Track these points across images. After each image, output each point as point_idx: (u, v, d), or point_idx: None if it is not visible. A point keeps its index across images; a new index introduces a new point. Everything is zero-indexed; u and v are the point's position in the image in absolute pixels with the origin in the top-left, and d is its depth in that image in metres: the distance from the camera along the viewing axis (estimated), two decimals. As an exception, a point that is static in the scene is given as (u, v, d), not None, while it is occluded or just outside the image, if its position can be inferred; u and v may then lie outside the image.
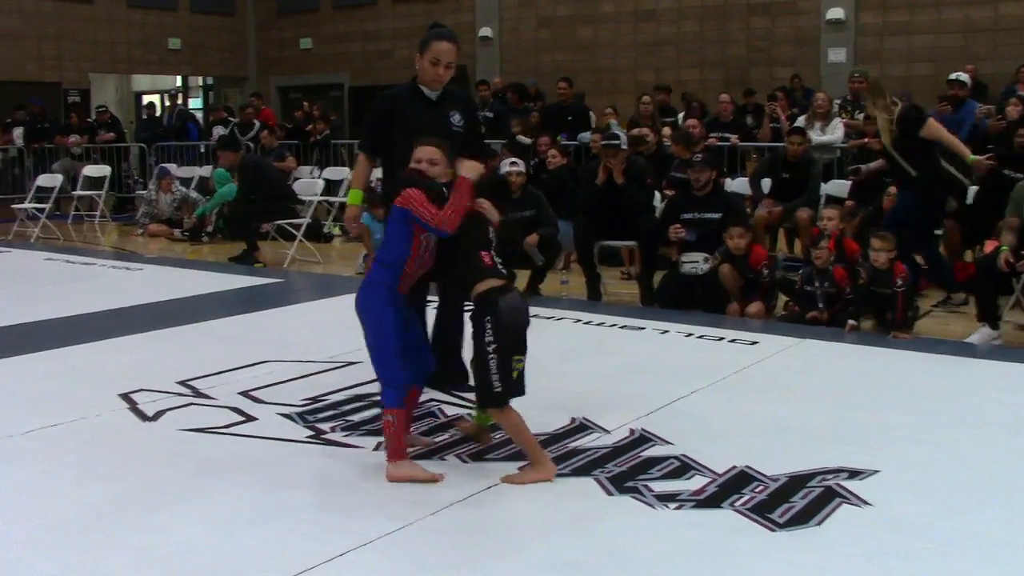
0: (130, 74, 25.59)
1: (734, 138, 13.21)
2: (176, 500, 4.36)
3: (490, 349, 4.47)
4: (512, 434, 4.66)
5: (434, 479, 4.54)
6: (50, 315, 8.39)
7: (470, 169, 4.65)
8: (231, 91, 25.87)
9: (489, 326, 4.45)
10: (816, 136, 11.88)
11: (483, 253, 4.60)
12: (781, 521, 4.08)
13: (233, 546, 3.87)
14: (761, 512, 4.17)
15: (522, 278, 9.34)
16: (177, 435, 5.25)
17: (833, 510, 4.20)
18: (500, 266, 4.63)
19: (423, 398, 5.67)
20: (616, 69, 19.11)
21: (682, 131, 11.84)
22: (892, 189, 9.23)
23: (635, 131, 11.73)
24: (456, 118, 5.83)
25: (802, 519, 4.11)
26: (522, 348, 4.62)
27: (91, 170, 17.05)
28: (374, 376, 6.01)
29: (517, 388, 4.63)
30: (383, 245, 4.88)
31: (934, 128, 8.70)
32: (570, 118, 14.20)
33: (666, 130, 13.52)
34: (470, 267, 4.60)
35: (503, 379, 4.48)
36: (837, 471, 4.62)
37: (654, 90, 15.22)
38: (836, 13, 17.59)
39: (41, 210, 15.32)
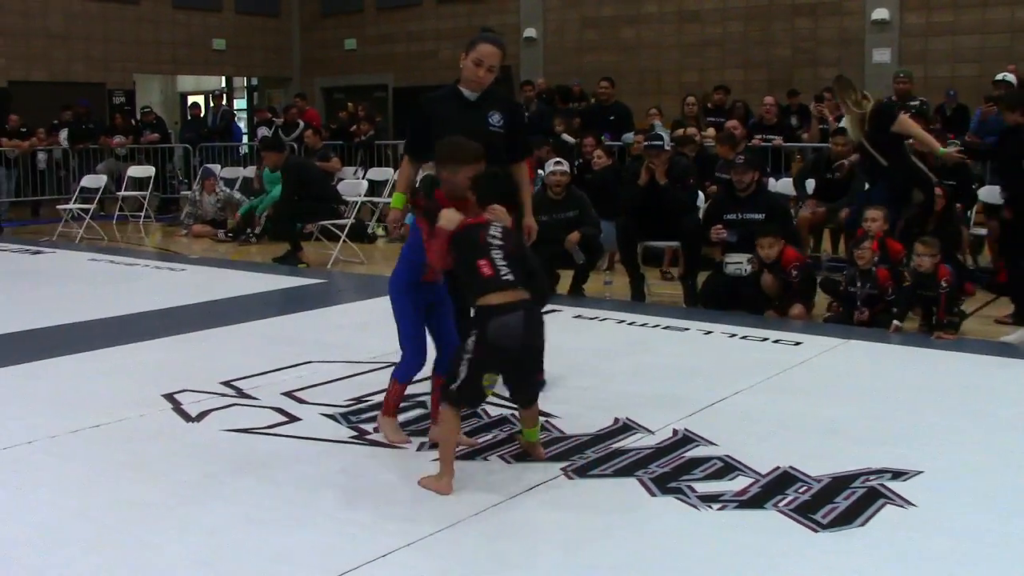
0: (175, 75, 25.76)
1: (777, 139, 13.15)
2: (219, 500, 4.39)
3: (466, 356, 4.47)
4: (441, 435, 4.63)
5: (405, 441, 5.09)
6: (94, 315, 8.46)
7: (448, 220, 4.62)
8: (275, 92, 26.01)
9: (473, 338, 4.45)
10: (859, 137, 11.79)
11: (481, 262, 4.53)
12: (824, 522, 4.07)
13: (277, 546, 3.90)
14: (804, 513, 4.16)
15: (566, 278, 9.38)
16: (220, 435, 5.29)
17: (877, 511, 4.18)
18: (505, 274, 4.52)
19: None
20: (660, 70, 19.09)
21: (727, 132, 11.81)
22: (939, 191, 9.21)
23: (680, 131, 11.72)
24: (495, 118, 5.81)
25: (845, 520, 4.09)
26: (496, 368, 4.56)
27: (135, 171, 17.19)
28: (418, 376, 6.07)
29: (472, 400, 4.68)
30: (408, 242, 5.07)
31: (905, 123, 9.12)
32: (612, 118, 14.19)
33: (710, 131, 13.51)
34: (468, 280, 4.59)
35: (464, 385, 4.46)
36: (881, 472, 4.60)
37: (714, 89, 15.21)
38: (881, 13, 17.50)
39: (86, 211, 15.43)
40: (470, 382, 4.45)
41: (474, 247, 4.56)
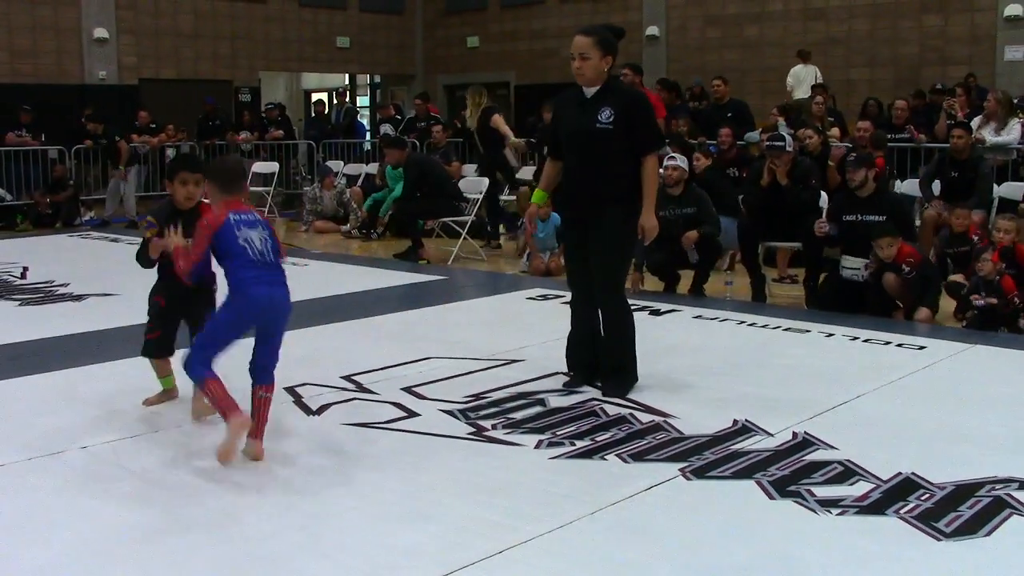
0: (300, 72, 26.18)
1: (920, 136, 12.84)
2: (339, 493, 4.46)
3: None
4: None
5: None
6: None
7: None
8: (398, 89, 26.25)
9: None
10: (990, 137, 11.53)
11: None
12: (948, 531, 3.99)
13: (395, 539, 3.95)
14: (927, 521, 4.08)
15: (686, 278, 9.32)
16: (340, 429, 5.37)
17: (1003, 521, 4.08)
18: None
19: (584, 397, 5.83)
20: (784, 68, 18.82)
21: (877, 133, 11.66)
22: None
23: (799, 132, 11.58)
24: (605, 115, 5.81)
25: (970, 529, 4.01)
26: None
27: (260, 167, 17.49)
28: (537, 374, 6.10)
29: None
30: None
31: None
32: (729, 115, 14.05)
33: (834, 130, 13.30)
34: None
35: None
36: (1007, 481, 4.49)
37: (821, 89, 14.99)
38: (1015, 9, 17.04)
39: (210, 206, 15.69)
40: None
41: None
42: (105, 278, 10.19)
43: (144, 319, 5.69)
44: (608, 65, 5.88)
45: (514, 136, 13.51)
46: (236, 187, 5.17)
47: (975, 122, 11.90)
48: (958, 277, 8.66)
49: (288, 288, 5.10)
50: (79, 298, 9.30)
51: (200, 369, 4.88)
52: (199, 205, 5.53)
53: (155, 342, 5.68)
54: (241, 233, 4.94)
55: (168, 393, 5.79)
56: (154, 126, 18.51)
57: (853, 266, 8.43)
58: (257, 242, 4.98)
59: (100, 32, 20.33)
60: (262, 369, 5.04)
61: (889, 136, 12.45)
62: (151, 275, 5.60)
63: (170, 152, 18.57)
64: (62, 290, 9.71)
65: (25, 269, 11.00)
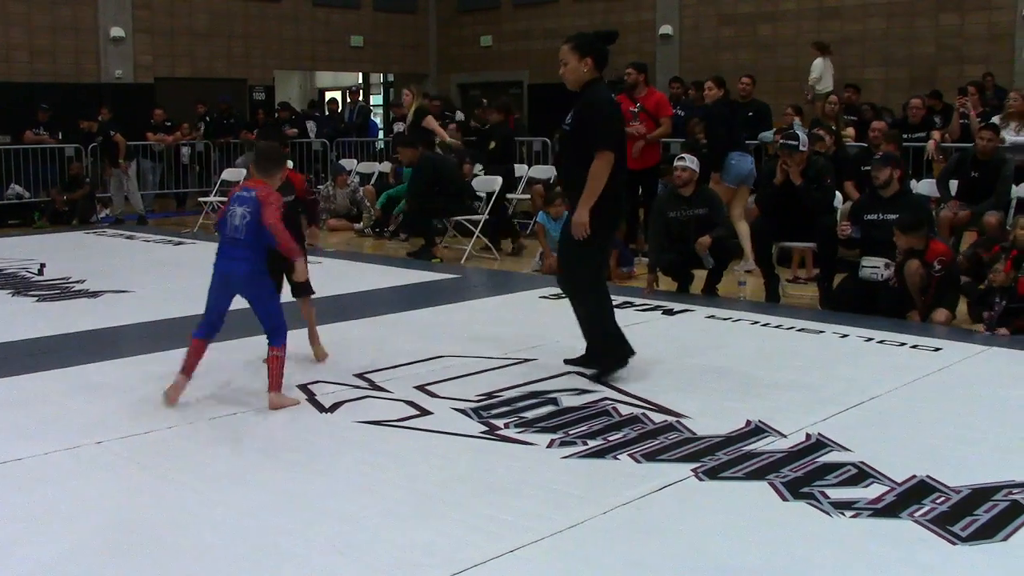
0: (313, 71, 26.20)
1: (935, 140, 12.76)
2: (351, 490, 4.46)
3: None
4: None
5: (295, 402, 5.71)
6: (232, 306, 8.59)
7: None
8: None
9: None
10: (1010, 137, 11.46)
11: None
12: (964, 535, 3.96)
13: (406, 537, 3.94)
14: (942, 524, 4.05)
15: (699, 278, 9.30)
16: (353, 427, 5.37)
17: (1020, 526, 4.05)
18: None
19: (596, 397, 5.81)
20: (798, 68, 18.75)
21: (891, 131, 11.61)
22: None
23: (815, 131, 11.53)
24: (568, 117, 6.29)
25: (986, 533, 3.98)
26: None
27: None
28: (549, 373, 6.10)
29: None
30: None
31: None
32: (750, 114, 14.00)
33: (850, 130, 13.25)
34: None
35: None
36: (1024, 485, 4.48)
37: (844, 88, 14.93)
38: (1034, 7, 16.95)
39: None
40: None
41: None
42: (121, 275, 10.23)
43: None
44: (588, 67, 6.18)
45: (448, 137, 14.11)
46: (256, 167, 5.97)
47: (994, 121, 11.83)
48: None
49: (248, 264, 5.67)
50: (95, 295, 9.33)
51: (194, 331, 5.78)
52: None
53: None
54: (231, 208, 5.70)
55: None
56: (169, 124, 18.58)
57: (873, 265, 8.39)
58: (236, 218, 5.63)
59: (117, 31, 20.37)
60: (266, 333, 5.77)
61: (904, 136, 12.40)
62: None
63: (185, 150, 18.64)
64: (78, 287, 9.74)
65: (42, 266, 11.08)
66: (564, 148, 6.43)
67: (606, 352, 6.34)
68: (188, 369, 5.68)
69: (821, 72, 16.24)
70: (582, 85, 6.22)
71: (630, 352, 6.39)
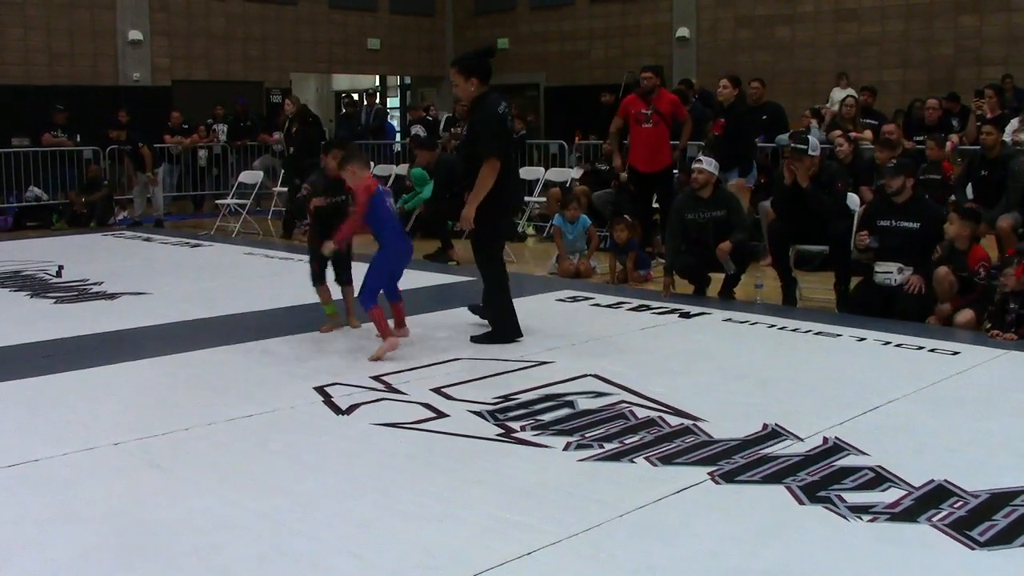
0: (330, 73, 26.25)
1: (952, 142, 12.71)
2: (367, 492, 4.46)
3: None
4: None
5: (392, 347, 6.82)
6: (249, 308, 8.69)
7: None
8: (428, 90, 26.29)
9: None
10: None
11: None
12: (982, 540, 3.94)
13: (424, 540, 3.94)
14: (960, 529, 4.04)
15: (716, 281, 9.28)
16: (369, 429, 5.37)
17: (1039, 531, 4.04)
18: None
19: (613, 400, 5.81)
20: (815, 70, 18.77)
21: (885, 137, 11.56)
22: None
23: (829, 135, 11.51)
24: (465, 128, 7.27)
25: (1005, 539, 3.96)
26: None
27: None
28: (566, 376, 6.11)
29: None
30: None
31: None
32: (764, 117, 13.98)
33: (867, 133, 13.21)
34: None
35: None
36: (1043, 490, 4.45)
37: (860, 90, 14.88)
38: (1054, 8, 16.89)
39: (242, 206, 15.85)
40: None
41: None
42: (138, 277, 10.26)
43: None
44: (474, 85, 7.07)
45: None
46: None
47: (1013, 123, 11.79)
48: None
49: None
50: (113, 296, 9.36)
51: (369, 301, 6.96)
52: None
53: (314, 274, 7.83)
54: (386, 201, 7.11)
55: (332, 319, 7.79)
56: (186, 127, 18.63)
57: (886, 270, 8.36)
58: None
59: (135, 34, 20.47)
60: (391, 292, 7.33)
61: (920, 137, 12.38)
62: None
63: (202, 153, 18.69)
64: (96, 288, 9.78)
65: (60, 268, 11.13)
66: (462, 155, 7.51)
67: (494, 324, 7.43)
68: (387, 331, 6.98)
69: (834, 101, 16.24)
70: (472, 101, 7.17)
71: (517, 333, 7.37)
